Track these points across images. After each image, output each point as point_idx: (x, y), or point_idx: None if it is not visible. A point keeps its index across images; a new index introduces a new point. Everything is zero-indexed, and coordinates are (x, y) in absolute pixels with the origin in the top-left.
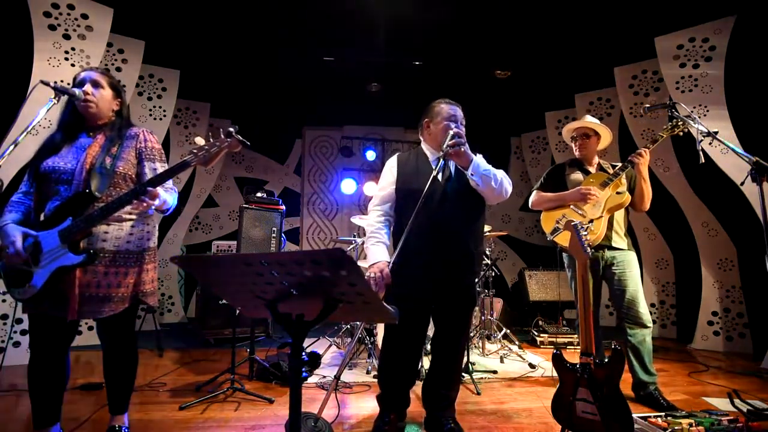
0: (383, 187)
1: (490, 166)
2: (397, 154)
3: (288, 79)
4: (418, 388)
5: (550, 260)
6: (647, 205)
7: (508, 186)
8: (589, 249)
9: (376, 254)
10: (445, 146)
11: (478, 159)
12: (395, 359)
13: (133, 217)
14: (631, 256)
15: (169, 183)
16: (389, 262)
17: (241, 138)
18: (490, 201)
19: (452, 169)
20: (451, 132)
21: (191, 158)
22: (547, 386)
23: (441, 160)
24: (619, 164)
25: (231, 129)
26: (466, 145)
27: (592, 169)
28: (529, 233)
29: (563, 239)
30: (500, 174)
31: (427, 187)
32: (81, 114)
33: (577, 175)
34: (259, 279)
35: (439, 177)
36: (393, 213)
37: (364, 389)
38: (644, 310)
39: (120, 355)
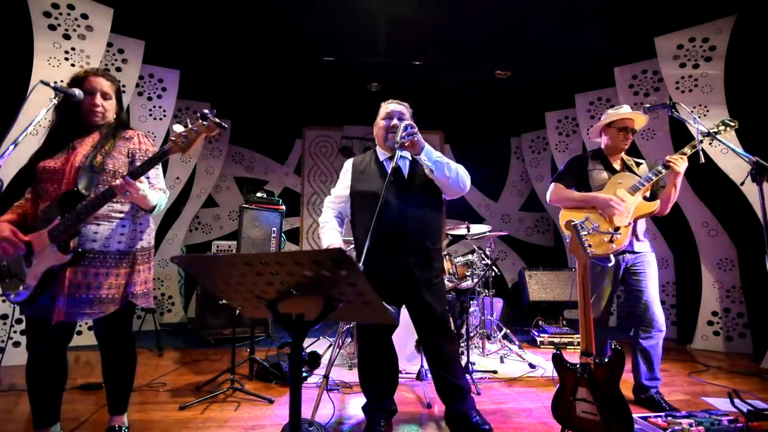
0: (338, 188)
1: (446, 158)
2: (352, 158)
3: (288, 78)
4: (418, 388)
5: (550, 260)
6: (668, 210)
7: (465, 177)
8: (590, 250)
9: (330, 237)
10: (399, 138)
11: (431, 148)
12: (369, 364)
13: (121, 215)
14: (651, 258)
15: (161, 183)
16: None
17: (217, 120)
18: (448, 194)
19: (406, 167)
20: (403, 124)
21: (169, 145)
22: (547, 386)
23: (396, 154)
24: (644, 162)
25: (206, 111)
26: (419, 134)
27: (617, 166)
28: (529, 233)
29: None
30: (456, 165)
31: (383, 191)
32: (81, 116)
33: (602, 174)
34: (259, 279)
35: (392, 177)
36: (347, 211)
37: None
38: (660, 313)
39: (118, 356)
